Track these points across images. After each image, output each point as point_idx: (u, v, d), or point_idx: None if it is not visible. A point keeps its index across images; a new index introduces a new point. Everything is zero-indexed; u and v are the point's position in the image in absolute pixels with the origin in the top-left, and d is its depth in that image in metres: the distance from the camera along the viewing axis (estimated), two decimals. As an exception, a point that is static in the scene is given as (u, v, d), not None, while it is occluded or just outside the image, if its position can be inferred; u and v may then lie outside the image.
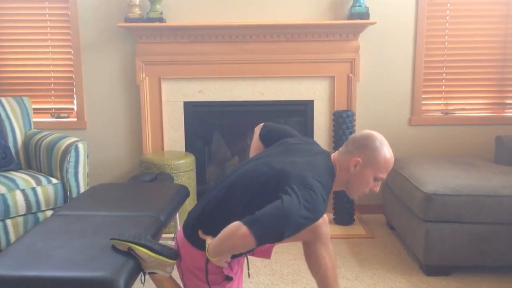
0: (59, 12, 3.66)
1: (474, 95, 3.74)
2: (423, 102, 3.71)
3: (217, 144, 3.99)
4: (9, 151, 3.15)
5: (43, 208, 2.89)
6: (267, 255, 2.05)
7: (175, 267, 1.93)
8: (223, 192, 1.80)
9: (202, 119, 3.78)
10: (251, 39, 3.53)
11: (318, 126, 3.69)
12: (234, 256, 1.81)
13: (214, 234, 1.68)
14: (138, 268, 1.88)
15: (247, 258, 1.91)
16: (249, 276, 2.12)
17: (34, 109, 3.58)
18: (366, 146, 1.77)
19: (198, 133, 3.80)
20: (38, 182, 2.90)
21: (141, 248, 1.85)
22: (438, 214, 2.63)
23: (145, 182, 3.15)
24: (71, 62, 3.70)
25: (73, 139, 3.05)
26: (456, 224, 2.64)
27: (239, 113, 3.73)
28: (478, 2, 3.60)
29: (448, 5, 3.61)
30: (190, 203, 3.37)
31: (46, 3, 3.65)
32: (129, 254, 1.86)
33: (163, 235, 2.93)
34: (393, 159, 1.81)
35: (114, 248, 1.89)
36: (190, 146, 3.74)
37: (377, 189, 1.83)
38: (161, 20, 3.46)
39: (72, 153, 2.95)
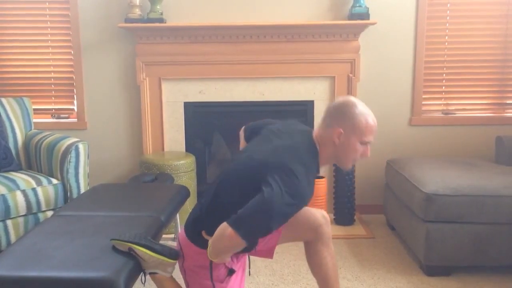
0: (60, 12, 3.66)
1: (474, 95, 3.74)
2: (423, 102, 3.70)
3: (218, 144, 3.99)
4: (9, 152, 3.15)
5: (43, 208, 2.89)
6: (269, 255, 2.05)
7: (177, 267, 1.93)
8: (215, 191, 1.81)
9: (202, 120, 3.78)
10: (251, 40, 3.53)
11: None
12: (237, 253, 1.81)
13: (211, 228, 1.69)
14: (138, 268, 1.88)
15: (248, 257, 1.91)
16: (249, 274, 2.12)
17: (34, 109, 3.58)
18: (345, 115, 1.75)
19: (199, 134, 3.80)
20: (39, 183, 2.90)
21: (141, 248, 1.85)
22: (438, 214, 2.63)
23: (145, 182, 3.15)
24: (71, 63, 3.70)
25: (74, 139, 3.05)
26: (456, 224, 2.64)
27: (239, 113, 3.73)
28: (478, 2, 3.60)
29: (449, 5, 3.61)
30: (190, 204, 3.37)
31: (47, 3, 3.65)
32: (130, 254, 1.86)
33: (164, 236, 2.93)
34: (375, 120, 1.79)
35: (114, 248, 1.89)
36: (190, 146, 3.74)
37: (368, 153, 1.81)
38: (161, 20, 3.46)
39: (73, 153, 2.96)
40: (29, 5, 3.66)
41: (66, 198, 2.98)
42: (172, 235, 3.09)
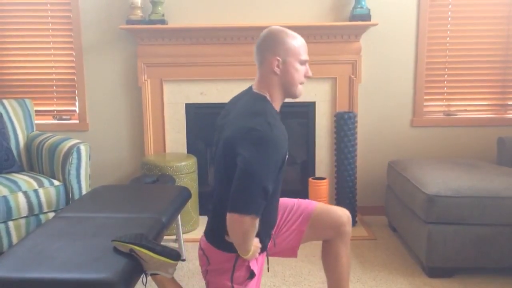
0: (61, 14, 3.67)
1: (476, 97, 3.73)
2: (425, 104, 3.70)
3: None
4: (11, 153, 3.15)
5: (45, 210, 2.89)
6: (293, 254, 2.04)
7: (178, 267, 1.92)
8: (213, 193, 1.82)
9: (203, 121, 3.78)
10: (252, 41, 3.53)
11: (320, 127, 3.69)
12: (264, 237, 1.81)
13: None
14: (139, 269, 1.88)
15: (267, 256, 1.91)
16: (268, 270, 2.13)
17: (36, 111, 3.59)
18: (274, 42, 1.73)
19: (200, 135, 3.80)
20: (40, 184, 2.90)
21: (142, 249, 1.85)
22: (440, 215, 2.62)
23: (147, 184, 3.15)
24: (73, 64, 3.71)
25: (75, 141, 3.05)
26: (458, 225, 2.63)
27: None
28: (480, 4, 3.60)
29: (450, 6, 3.61)
30: (192, 205, 3.37)
31: (48, 5, 3.66)
32: (131, 255, 1.86)
33: (165, 237, 2.93)
34: (301, 37, 1.77)
35: (115, 249, 1.89)
36: (192, 148, 3.74)
37: (310, 72, 1.80)
38: (162, 22, 3.47)
39: (74, 155, 2.96)
40: (31, 7, 3.66)
41: (67, 200, 2.98)
42: (174, 237, 3.09)
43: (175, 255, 1.90)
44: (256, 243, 1.74)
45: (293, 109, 3.66)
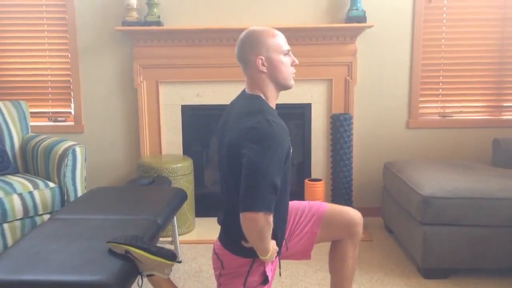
0: (57, 15, 3.66)
1: (471, 98, 3.75)
2: (420, 105, 3.71)
3: (215, 147, 3.98)
4: (6, 155, 3.14)
5: (40, 212, 2.88)
6: (306, 256, 2.04)
7: (174, 268, 1.92)
8: (223, 198, 1.82)
9: (200, 123, 3.78)
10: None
11: (316, 129, 3.69)
12: (280, 236, 1.81)
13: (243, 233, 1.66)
14: (135, 271, 1.88)
15: (279, 260, 1.91)
16: (280, 275, 2.13)
17: (31, 113, 3.57)
18: (253, 43, 1.74)
19: (196, 137, 3.80)
20: (36, 186, 2.89)
21: (138, 251, 1.84)
22: (435, 217, 2.63)
23: (142, 185, 3.15)
24: (68, 66, 3.70)
25: (71, 143, 3.05)
26: (453, 227, 2.64)
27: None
28: (475, 6, 3.61)
29: (445, 8, 3.62)
30: (188, 207, 3.37)
31: (44, 7, 3.65)
32: (126, 257, 1.86)
33: (161, 239, 2.93)
34: (276, 30, 1.78)
35: (111, 251, 1.89)
36: (188, 149, 3.74)
37: (296, 60, 1.81)
38: (158, 23, 3.47)
39: (70, 157, 2.95)
40: (26, 8, 3.65)
41: (63, 202, 2.97)
42: (170, 239, 3.08)
43: (171, 256, 1.91)
44: (273, 245, 1.74)
45: (289, 110, 3.66)
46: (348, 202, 3.45)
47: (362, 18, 3.44)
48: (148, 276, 1.92)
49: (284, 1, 3.58)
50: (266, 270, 1.79)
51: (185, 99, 3.67)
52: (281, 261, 1.93)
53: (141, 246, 1.85)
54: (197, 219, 3.59)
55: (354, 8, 3.44)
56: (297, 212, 2.01)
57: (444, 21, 3.63)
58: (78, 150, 2.99)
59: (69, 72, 3.71)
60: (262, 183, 1.56)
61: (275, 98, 1.82)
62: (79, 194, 2.99)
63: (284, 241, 1.89)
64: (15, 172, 3.16)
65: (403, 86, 3.68)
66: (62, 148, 2.99)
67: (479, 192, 2.63)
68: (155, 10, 3.47)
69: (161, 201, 2.61)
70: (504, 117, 3.75)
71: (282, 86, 1.80)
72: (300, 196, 3.47)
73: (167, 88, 3.65)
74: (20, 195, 2.80)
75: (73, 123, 3.75)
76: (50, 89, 3.76)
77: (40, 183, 2.93)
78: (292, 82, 1.81)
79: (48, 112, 3.80)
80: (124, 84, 3.69)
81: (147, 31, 3.46)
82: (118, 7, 3.57)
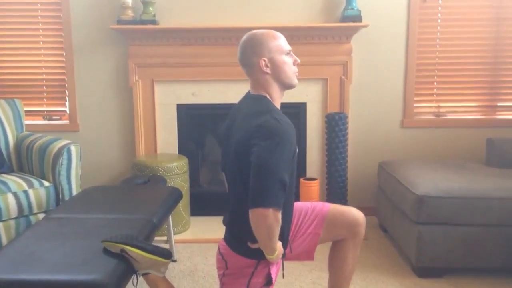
0: (52, 14, 3.65)
1: (465, 98, 3.76)
2: (415, 105, 3.73)
3: (210, 146, 3.99)
4: (0, 154, 3.13)
5: (35, 211, 2.87)
6: (309, 257, 2.04)
7: (170, 267, 1.92)
8: (230, 197, 1.82)
9: (195, 122, 3.78)
10: (244, 42, 3.53)
11: (311, 128, 3.70)
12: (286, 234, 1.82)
13: (250, 233, 1.66)
14: (130, 270, 1.88)
15: (282, 262, 1.91)
16: (283, 277, 2.14)
17: (26, 111, 3.56)
18: (254, 47, 1.77)
19: (191, 136, 3.79)
20: (30, 185, 2.88)
21: (134, 249, 1.84)
22: (430, 216, 2.64)
23: (138, 184, 3.14)
24: (63, 64, 3.69)
25: (66, 141, 3.04)
26: (448, 226, 2.65)
27: (232, 115, 3.73)
28: (469, 6, 3.63)
29: (440, 8, 3.63)
30: (183, 206, 3.37)
31: (38, 5, 3.63)
32: (121, 256, 1.86)
33: (156, 238, 2.93)
34: (276, 32, 1.81)
35: (106, 250, 1.89)
36: (183, 148, 3.73)
37: (298, 59, 1.83)
38: (154, 22, 3.46)
39: (65, 155, 2.94)
40: (21, 6, 3.64)
41: (58, 201, 2.96)
42: (165, 238, 3.08)
43: (167, 254, 1.91)
44: (279, 246, 1.75)
45: (284, 109, 3.59)
46: (343, 201, 3.45)
47: (357, 18, 3.44)
48: (144, 275, 1.92)
49: (279, 1, 3.58)
50: (271, 272, 1.80)
51: (181, 98, 3.66)
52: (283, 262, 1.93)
53: (136, 244, 1.85)
54: (192, 218, 3.59)
55: (350, 7, 3.44)
56: (300, 213, 2.02)
57: (439, 21, 3.65)
58: (73, 148, 2.98)
59: (64, 71, 3.69)
60: (271, 179, 1.58)
61: (280, 98, 1.85)
62: (74, 193, 2.99)
63: (288, 243, 1.90)
64: (9, 171, 3.15)
65: (398, 86, 3.69)
66: (57, 147, 2.98)
67: (473, 192, 2.64)
68: (151, 8, 3.46)
69: (156, 200, 2.61)
70: (498, 117, 3.77)
71: (286, 86, 1.84)
72: (295, 195, 3.46)
73: (163, 87, 3.65)
74: (14, 194, 2.79)
75: (68, 121, 3.74)
76: (45, 88, 3.75)
77: (35, 182, 2.92)
78: (295, 81, 1.85)
79: (43, 111, 3.78)
80: (119, 83, 3.68)
81: (143, 30, 3.45)
82: (113, 5, 3.56)
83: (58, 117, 3.78)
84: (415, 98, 3.71)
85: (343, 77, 3.59)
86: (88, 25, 3.62)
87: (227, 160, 1.84)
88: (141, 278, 1.96)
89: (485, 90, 3.74)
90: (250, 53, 1.78)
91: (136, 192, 2.88)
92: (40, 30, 3.68)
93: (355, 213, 2.04)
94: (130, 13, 3.47)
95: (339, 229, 2.02)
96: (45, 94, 3.76)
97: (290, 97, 3.60)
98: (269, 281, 1.80)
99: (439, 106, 3.76)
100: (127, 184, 3.17)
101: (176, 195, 2.79)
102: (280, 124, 1.65)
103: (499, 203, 2.61)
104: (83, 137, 3.71)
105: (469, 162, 3.33)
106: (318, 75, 3.60)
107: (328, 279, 2.11)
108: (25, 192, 2.84)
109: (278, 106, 1.82)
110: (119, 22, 3.46)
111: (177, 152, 3.72)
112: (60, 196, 2.96)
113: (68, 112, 3.75)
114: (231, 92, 3.64)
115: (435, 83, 3.73)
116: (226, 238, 1.86)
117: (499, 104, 3.77)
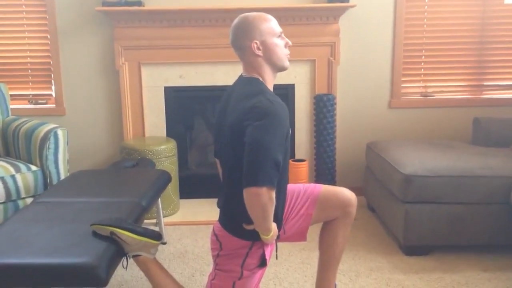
0: (35, -4, 3.58)
1: (452, 78, 3.78)
2: (402, 85, 3.74)
3: (199, 129, 3.98)
4: (-14, 139, 3.10)
5: (23, 195, 2.86)
6: (302, 238, 2.05)
7: (160, 249, 1.93)
8: (224, 179, 1.83)
9: (183, 104, 3.76)
10: (231, 23, 3.49)
11: (300, 110, 3.70)
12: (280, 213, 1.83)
13: (245, 215, 1.67)
14: (120, 252, 1.88)
15: (276, 243, 1.92)
16: (276, 258, 2.22)
17: (11, 95, 3.52)
18: (246, 29, 1.78)
19: (180, 118, 3.78)
20: (18, 170, 2.86)
21: (124, 231, 1.85)
22: (417, 195, 2.67)
23: (126, 168, 3.13)
24: (48, 47, 3.63)
25: (52, 125, 3.01)
26: (434, 204, 2.69)
27: (220, 97, 3.71)
28: (456, -15, 3.63)
29: (427, -12, 3.63)
30: (172, 188, 3.37)
31: (21, -14, 3.57)
32: (111, 239, 1.86)
33: (145, 221, 2.93)
34: (267, 14, 1.83)
35: (95, 234, 1.89)
36: (171, 131, 3.72)
37: (289, 41, 1.85)
38: (139, 4, 3.41)
39: (51, 139, 2.92)
40: (3, -12, 3.57)
41: (45, 185, 2.95)
42: (154, 220, 3.09)
43: (157, 236, 1.92)
44: (274, 227, 1.76)
45: (273, 91, 3.65)
46: (331, 182, 3.48)
47: (344, -2, 3.43)
48: (134, 256, 1.93)
49: (266, -19, 3.55)
50: (266, 253, 1.82)
51: (168, 81, 3.64)
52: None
53: (126, 227, 1.86)
54: (181, 200, 3.60)
55: (337, -13, 3.42)
56: (292, 195, 2.03)
57: (426, 0, 3.64)
58: (60, 132, 2.96)
59: (49, 54, 3.64)
60: (264, 158, 1.59)
61: (272, 81, 1.86)
62: (62, 177, 2.97)
63: (282, 224, 1.91)
64: (-4, 155, 3.13)
65: (385, 66, 3.70)
66: (44, 131, 2.96)
67: (459, 170, 2.68)
68: (136, -10, 3.41)
69: (145, 183, 2.60)
70: (485, 96, 3.80)
71: (278, 68, 1.85)
72: (284, 176, 3.48)
73: (150, 69, 3.62)
74: (2, 178, 2.77)
75: (54, 105, 3.71)
76: (30, 71, 3.70)
77: (22, 167, 2.90)
78: (287, 63, 1.85)
79: (29, 95, 3.74)
80: (106, 65, 3.64)
81: (128, 11, 3.41)
82: (97, -13, 3.50)
83: (44, 101, 3.74)
84: (403, 79, 3.73)
85: (331, 58, 3.59)
86: (72, 7, 3.56)
87: (221, 143, 1.84)
88: (131, 260, 1.97)
89: (472, 69, 3.76)
90: (242, 36, 1.78)
91: (124, 176, 2.88)
92: (24, 13, 3.61)
93: (347, 194, 2.06)
94: (115, -5, 3.42)
95: (331, 209, 2.03)
96: (30, 78, 3.71)
97: (279, 79, 3.55)
98: (263, 262, 1.82)
99: (426, 86, 3.78)
100: (116, 168, 3.15)
101: (165, 178, 2.79)
102: (273, 105, 1.66)
103: (484, 181, 2.65)
104: (69, 121, 3.68)
105: (456, 142, 3.37)
106: (306, 56, 3.59)
107: (318, 259, 2.14)
108: (13, 176, 2.82)
109: (270, 88, 1.83)
110: (104, 3, 3.41)
111: (165, 135, 3.70)
112: (48, 180, 2.94)
113: (54, 95, 3.70)
114: (219, 74, 3.62)
115: (423, 63, 3.74)
116: (220, 220, 1.87)
117: (485, 83, 3.79)
